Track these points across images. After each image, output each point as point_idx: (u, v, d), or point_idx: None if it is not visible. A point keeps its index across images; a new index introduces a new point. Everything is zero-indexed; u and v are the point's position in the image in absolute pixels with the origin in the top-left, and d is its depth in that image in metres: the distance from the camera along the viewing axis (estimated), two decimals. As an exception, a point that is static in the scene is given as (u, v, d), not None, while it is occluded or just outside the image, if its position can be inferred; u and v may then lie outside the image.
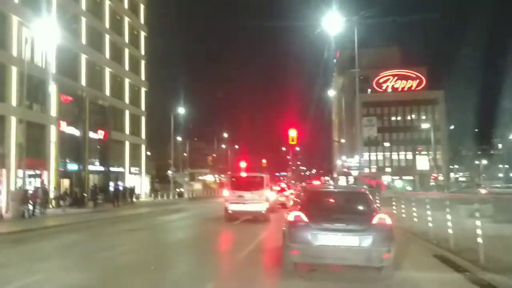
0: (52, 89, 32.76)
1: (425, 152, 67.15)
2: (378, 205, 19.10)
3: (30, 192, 24.53)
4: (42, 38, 30.31)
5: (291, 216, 8.18)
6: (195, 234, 16.66)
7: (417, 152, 66.84)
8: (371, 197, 8.74)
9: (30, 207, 23.61)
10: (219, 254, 11.57)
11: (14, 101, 28.48)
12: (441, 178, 66.04)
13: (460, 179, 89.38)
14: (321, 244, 7.67)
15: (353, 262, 7.85)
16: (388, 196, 24.44)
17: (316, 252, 7.73)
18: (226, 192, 20.95)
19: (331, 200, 8.87)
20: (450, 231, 10.17)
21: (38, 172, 30.77)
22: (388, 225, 7.81)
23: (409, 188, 65.84)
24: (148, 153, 63.01)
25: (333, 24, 23.65)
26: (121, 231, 16.64)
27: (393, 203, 16.76)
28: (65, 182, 34.48)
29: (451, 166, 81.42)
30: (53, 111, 32.87)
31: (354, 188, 13.68)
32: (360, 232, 7.63)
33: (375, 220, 7.77)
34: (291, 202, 13.36)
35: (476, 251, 8.78)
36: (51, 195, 29.74)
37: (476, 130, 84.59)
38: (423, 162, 62.95)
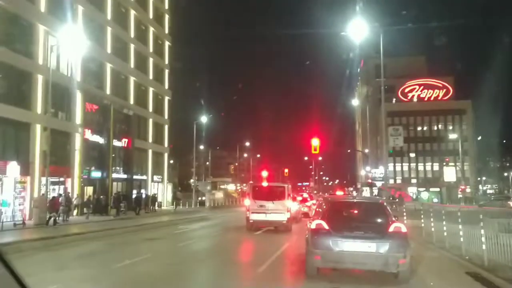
0: (77, 97, 33.11)
1: (452, 163, 65.52)
2: (404, 216, 18.53)
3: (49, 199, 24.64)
4: (67, 47, 30.70)
5: (313, 225, 8.76)
6: (216, 244, 16.37)
7: (444, 163, 65.23)
8: (388, 207, 9.22)
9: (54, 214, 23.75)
10: (239, 266, 11.20)
11: (39, 109, 28.82)
12: (468, 190, 64.30)
13: (488, 191, 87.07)
14: (341, 250, 8.17)
15: (371, 267, 8.33)
16: (416, 208, 23.68)
17: (337, 257, 8.23)
18: (247, 202, 20.82)
19: (351, 210, 9.41)
20: (483, 246, 9.54)
21: (62, 179, 31.01)
22: (403, 233, 8.31)
23: (435, 200, 64.31)
24: (171, 161, 63.33)
25: (357, 31, 23.22)
26: (142, 240, 16.44)
27: (422, 215, 16.07)
28: (89, 190, 34.66)
29: (478, 178, 79.30)
30: (78, 119, 33.17)
31: (372, 199, 14.85)
32: (377, 239, 8.14)
33: (391, 228, 8.29)
34: (314, 213, 13.34)
35: (513, 269, 8.21)
36: (74, 202, 29.84)
37: (504, 141, 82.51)
38: (450, 174, 61.35)
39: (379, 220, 8.67)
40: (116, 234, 18.88)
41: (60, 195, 26.57)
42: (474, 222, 12.01)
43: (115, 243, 15.61)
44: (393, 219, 8.70)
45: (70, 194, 29.03)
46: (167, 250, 14.13)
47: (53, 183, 29.66)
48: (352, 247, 8.16)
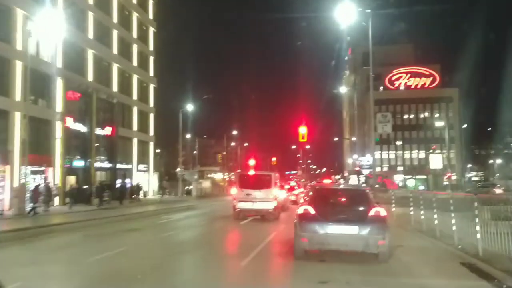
0: (58, 84, 32.15)
1: (439, 151, 65.69)
2: (393, 204, 18.18)
3: (31, 188, 23.93)
4: (47, 32, 29.68)
5: (300, 210, 9.50)
6: (199, 234, 15.78)
7: (430, 151, 65.42)
8: (370, 194, 10.12)
9: (32, 204, 23.10)
10: (222, 258, 10.51)
11: (18, 96, 27.83)
12: (454, 177, 64.57)
13: (473, 178, 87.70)
14: (326, 233, 8.85)
15: (353, 248, 8.96)
16: (404, 195, 23.31)
17: (322, 239, 8.91)
18: (234, 190, 20.68)
19: (335, 196, 10.25)
20: (478, 235, 9.10)
21: (42, 168, 30.15)
22: (382, 216, 9.02)
23: (422, 187, 64.52)
24: (158, 150, 62.44)
25: (346, 16, 22.66)
26: (121, 230, 15.73)
27: (410, 203, 15.63)
28: (71, 179, 33.83)
29: (466, 165, 79.79)
30: (59, 107, 32.21)
31: (355, 186, 16.22)
32: (359, 223, 8.82)
33: (371, 212, 8.98)
34: (302, 201, 13.55)
35: (511, 260, 7.78)
36: (54, 192, 29.04)
37: (489, 128, 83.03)
38: (436, 161, 61.50)
39: (361, 205, 9.34)
40: (95, 225, 18.16)
41: (39, 184, 25.77)
42: (465, 209, 11.62)
43: (93, 234, 14.90)
44: (374, 204, 9.40)
45: (50, 184, 28.21)
46: (147, 241, 13.43)
47: (34, 173, 28.84)
48: (336, 230, 8.83)
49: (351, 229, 8.76)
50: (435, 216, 12.27)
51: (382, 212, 9.10)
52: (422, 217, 13.75)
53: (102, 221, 19.48)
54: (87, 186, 33.29)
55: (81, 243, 13.11)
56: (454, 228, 10.70)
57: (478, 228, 9.12)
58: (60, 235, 14.87)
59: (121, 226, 17.45)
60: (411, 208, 15.56)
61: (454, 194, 12.56)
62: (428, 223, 13.28)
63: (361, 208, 9.22)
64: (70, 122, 33.21)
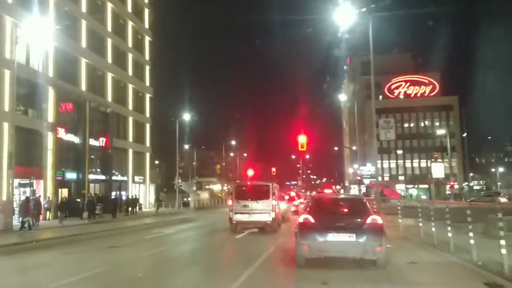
0: (50, 94, 31.17)
1: (440, 160, 64.66)
2: (399, 214, 17.15)
3: (19, 203, 22.82)
4: (38, 41, 28.73)
5: (301, 219, 9.87)
6: (188, 251, 14.48)
7: (432, 160, 64.41)
8: (367, 202, 10.32)
9: (21, 219, 21.98)
10: (210, 281, 9.20)
11: (7, 106, 26.82)
12: (456, 186, 63.44)
13: (475, 187, 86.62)
14: (326, 240, 9.19)
15: (351, 254, 9.37)
16: (406, 205, 22.21)
17: (322, 246, 9.24)
18: (231, 202, 19.56)
19: (334, 205, 10.56)
20: (503, 251, 7.97)
21: (32, 181, 29.01)
22: (379, 224, 9.30)
23: (424, 197, 63.42)
24: (156, 162, 61.23)
25: (345, 19, 21.73)
26: (106, 247, 14.39)
27: (419, 214, 14.48)
28: (64, 192, 32.68)
29: (469, 174, 78.72)
30: (50, 117, 31.19)
31: (353, 195, 16.60)
32: (356, 230, 9.14)
33: (369, 220, 9.29)
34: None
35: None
36: (45, 205, 27.87)
37: (490, 137, 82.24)
38: (438, 170, 60.38)
39: (358, 214, 9.56)
40: (79, 241, 16.92)
41: (27, 198, 24.62)
42: (480, 220, 10.58)
43: (72, 252, 13.63)
44: (371, 212, 9.63)
45: (39, 197, 27.07)
46: (128, 261, 12.07)
47: (23, 185, 27.76)
48: (335, 237, 9.15)
49: (349, 236, 9.09)
50: (449, 228, 11.14)
51: (379, 220, 9.36)
52: (433, 229, 12.61)
53: (89, 236, 18.22)
54: (80, 199, 32.11)
55: (55, 262, 11.87)
56: (472, 241, 9.57)
57: (503, 242, 7.99)
58: (38, 253, 13.64)
59: (108, 241, 16.18)
60: (420, 219, 14.43)
61: (470, 204, 11.44)
62: (440, 235, 12.15)
63: (358, 216, 9.48)
64: (62, 133, 32.18)
